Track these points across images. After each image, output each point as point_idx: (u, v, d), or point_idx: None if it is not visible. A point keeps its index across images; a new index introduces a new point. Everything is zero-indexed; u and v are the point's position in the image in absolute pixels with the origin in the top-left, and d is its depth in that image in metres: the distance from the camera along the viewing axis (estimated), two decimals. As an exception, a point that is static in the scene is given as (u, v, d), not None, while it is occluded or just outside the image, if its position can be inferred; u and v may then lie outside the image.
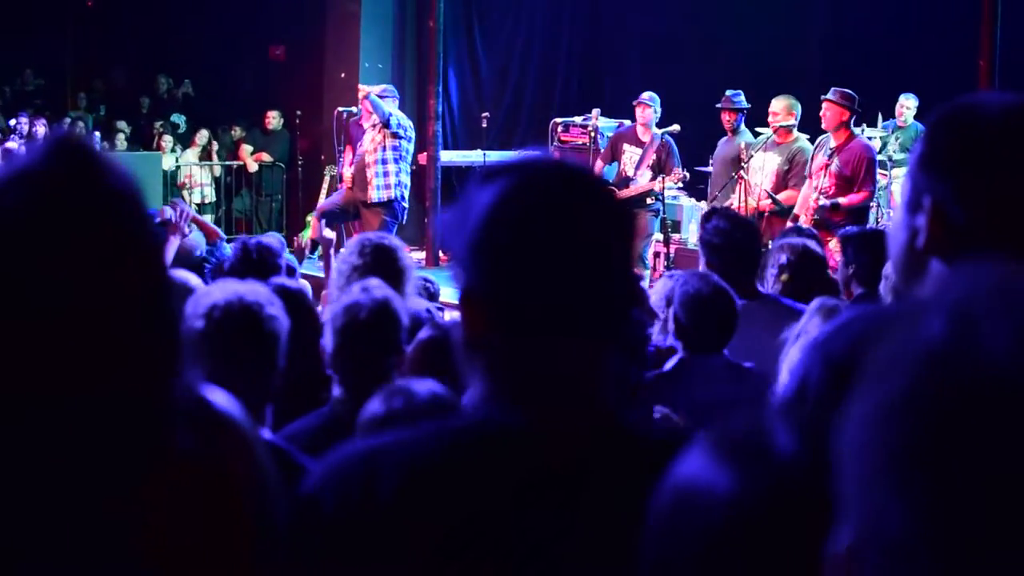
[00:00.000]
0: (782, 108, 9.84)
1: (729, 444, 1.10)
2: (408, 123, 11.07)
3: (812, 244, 5.83)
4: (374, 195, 10.84)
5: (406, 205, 11.17)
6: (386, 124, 10.72)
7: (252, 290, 2.87)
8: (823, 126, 9.33)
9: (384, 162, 10.82)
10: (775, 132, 9.88)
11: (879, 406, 0.82)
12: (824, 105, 9.27)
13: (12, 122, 15.92)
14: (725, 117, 10.66)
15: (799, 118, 9.90)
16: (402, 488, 1.46)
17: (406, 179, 11.01)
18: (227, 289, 2.89)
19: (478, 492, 1.47)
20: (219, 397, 1.59)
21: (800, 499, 1.05)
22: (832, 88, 9.37)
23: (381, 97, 10.84)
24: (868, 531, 0.83)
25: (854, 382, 0.87)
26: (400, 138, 10.86)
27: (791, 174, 9.71)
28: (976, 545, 0.76)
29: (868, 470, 0.82)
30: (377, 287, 3.50)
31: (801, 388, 1.88)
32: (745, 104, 10.70)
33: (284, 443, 2.99)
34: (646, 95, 11.29)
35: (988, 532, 0.76)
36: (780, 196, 9.62)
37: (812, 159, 9.45)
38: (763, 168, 9.86)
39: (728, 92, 10.80)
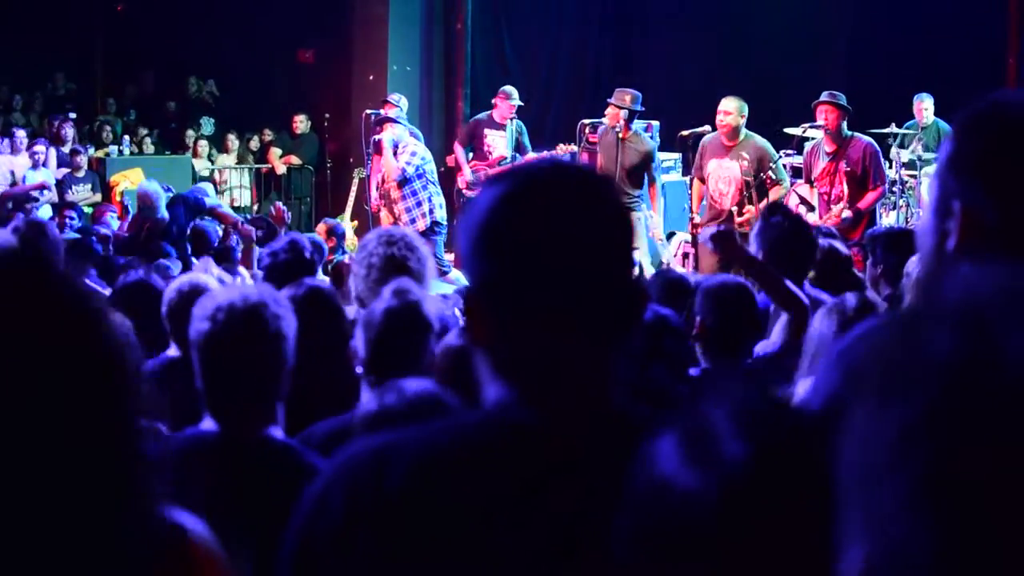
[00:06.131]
0: (735, 108, 9.55)
1: (691, 442, 1.11)
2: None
3: (837, 244, 5.83)
4: None
5: None
6: None
7: (257, 290, 2.91)
8: (826, 128, 9.19)
9: None
10: (725, 133, 9.60)
11: (898, 429, 0.76)
12: (824, 108, 9.17)
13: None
14: (612, 111, 10.54)
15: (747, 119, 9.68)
16: (411, 483, 1.48)
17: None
18: (232, 290, 2.93)
19: (486, 487, 1.48)
20: (192, 522, 1.58)
21: (743, 504, 1.06)
22: (824, 92, 9.28)
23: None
24: (890, 557, 0.77)
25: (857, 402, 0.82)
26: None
27: (766, 178, 9.43)
28: (1015, 567, 0.71)
29: (890, 495, 0.77)
30: (409, 291, 3.52)
31: (824, 400, 1.90)
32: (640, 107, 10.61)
33: (295, 443, 3.02)
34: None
35: None
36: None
37: (811, 166, 9.36)
38: (723, 177, 9.58)
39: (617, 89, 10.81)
